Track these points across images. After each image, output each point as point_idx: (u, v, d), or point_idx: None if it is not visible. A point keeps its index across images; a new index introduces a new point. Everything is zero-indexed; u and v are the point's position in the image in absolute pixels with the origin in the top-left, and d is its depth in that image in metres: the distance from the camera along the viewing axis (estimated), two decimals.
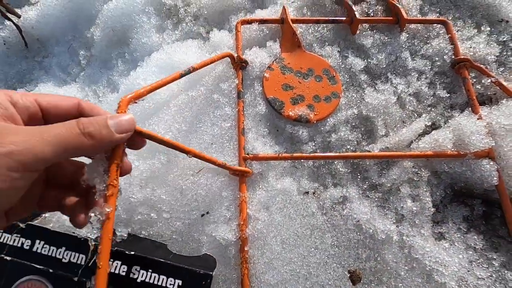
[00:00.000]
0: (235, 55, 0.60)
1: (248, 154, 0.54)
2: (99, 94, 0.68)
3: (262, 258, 0.47)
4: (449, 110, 0.62)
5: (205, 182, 0.51)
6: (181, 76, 0.46)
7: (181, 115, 0.55)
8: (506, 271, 0.50)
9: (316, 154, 0.55)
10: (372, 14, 0.70)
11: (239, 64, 0.60)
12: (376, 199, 0.54)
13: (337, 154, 0.55)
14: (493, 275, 0.50)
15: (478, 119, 0.57)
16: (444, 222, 0.55)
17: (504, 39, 0.67)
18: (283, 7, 0.65)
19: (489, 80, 0.62)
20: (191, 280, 0.42)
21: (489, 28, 0.68)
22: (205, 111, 0.57)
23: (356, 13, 0.65)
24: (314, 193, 0.53)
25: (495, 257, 0.51)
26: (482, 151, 0.54)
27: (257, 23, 0.65)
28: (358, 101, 0.61)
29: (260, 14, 0.69)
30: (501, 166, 0.54)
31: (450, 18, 0.70)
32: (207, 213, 0.50)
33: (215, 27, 0.70)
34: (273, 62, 0.62)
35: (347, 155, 0.55)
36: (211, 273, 0.43)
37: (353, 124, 0.60)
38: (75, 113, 0.30)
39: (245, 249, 0.47)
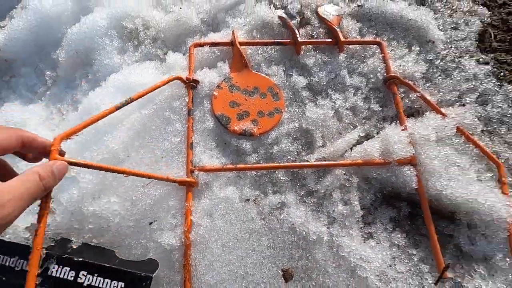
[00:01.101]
0: (186, 75, 0.66)
1: (195, 166, 0.59)
2: (63, 112, 0.73)
3: (204, 260, 0.53)
4: (381, 122, 0.69)
5: (154, 193, 0.56)
6: (117, 109, 0.52)
7: (134, 132, 0.60)
8: (423, 265, 0.57)
9: (258, 165, 0.61)
10: (315, 36, 0.77)
11: (190, 84, 0.66)
12: (311, 204, 0.60)
13: (277, 164, 0.61)
14: (412, 269, 0.56)
15: (402, 130, 0.64)
16: (374, 223, 0.61)
17: (431, 58, 0.75)
18: (232, 31, 0.72)
19: (415, 95, 0.69)
20: (133, 282, 0.47)
21: (418, 48, 0.76)
22: (157, 127, 0.62)
23: (298, 35, 0.72)
24: (255, 200, 0.59)
25: (415, 253, 0.58)
26: (404, 159, 0.61)
27: (209, 45, 0.71)
28: (300, 116, 0.68)
29: (214, 36, 0.75)
30: (421, 171, 0.61)
31: (386, 39, 0.78)
32: (155, 221, 0.55)
33: (172, 49, 0.76)
34: (222, 81, 0.68)
35: (286, 165, 0.61)
36: (151, 275, 0.48)
37: (294, 136, 0.66)
38: (18, 145, 0.36)
39: (188, 253, 0.52)
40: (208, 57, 0.72)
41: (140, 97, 0.56)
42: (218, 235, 0.55)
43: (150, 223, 0.55)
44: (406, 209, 0.63)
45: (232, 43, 0.71)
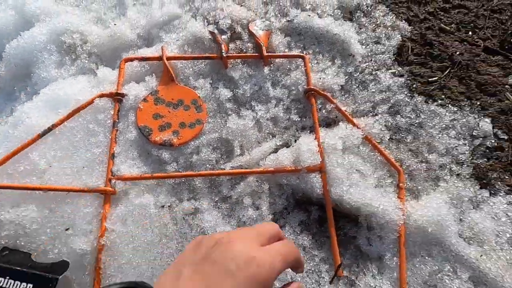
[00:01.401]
0: (111, 90, 0.70)
1: (114, 175, 0.63)
2: (1, 123, 0.77)
3: (114, 263, 0.57)
4: (299, 132, 0.74)
5: (72, 200, 0.60)
6: (40, 136, 0.56)
7: (57, 143, 0.64)
8: (323, 265, 0.62)
9: (174, 173, 0.65)
10: (244, 51, 0.82)
11: (116, 98, 0.70)
12: (224, 209, 0.65)
13: (193, 172, 0.65)
14: (312, 269, 0.61)
15: (314, 139, 0.70)
16: (284, 226, 0.66)
17: (350, 71, 0.80)
18: (161, 46, 0.76)
19: (331, 106, 0.75)
20: (41, 283, 0.51)
21: (340, 61, 0.82)
22: (80, 139, 0.66)
23: (224, 50, 0.77)
24: (169, 206, 0.64)
25: (317, 254, 0.63)
26: (313, 166, 0.67)
27: (139, 60, 0.76)
28: (221, 126, 0.73)
29: (147, 51, 0.80)
30: (328, 178, 0.66)
31: (311, 52, 0.83)
32: (71, 227, 0.59)
33: (107, 63, 0.80)
34: (148, 94, 0.72)
35: (201, 173, 0.65)
36: (57, 276, 0.52)
37: (214, 146, 0.71)
38: None
39: (99, 257, 0.57)
40: (139, 71, 0.76)
41: (62, 122, 0.61)
42: (130, 240, 0.59)
43: (67, 229, 0.59)
44: (317, 213, 0.68)
45: (161, 58, 0.75)
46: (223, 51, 0.76)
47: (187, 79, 0.77)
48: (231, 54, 0.78)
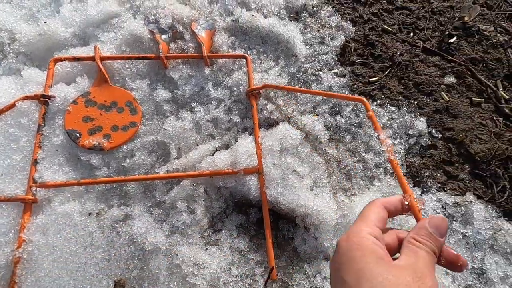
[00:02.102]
0: (35, 92, 0.66)
1: (36, 182, 0.60)
2: None
3: (31, 277, 0.53)
4: (240, 133, 0.73)
5: None
6: None
7: None
8: (258, 268, 0.61)
9: (103, 178, 0.62)
10: (186, 50, 0.80)
11: (42, 100, 0.66)
12: (157, 215, 0.63)
13: (121, 177, 0.63)
14: (247, 272, 0.60)
15: (253, 141, 0.69)
16: (221, 230, 0.65)
17: (293, 71, 0.80)
18: (95, 46, 0.73)
19: (273, 107, 0.74)
20: None
21: (284, 61, 0.81)
22: None
23: (161, 50, 0.74)
24: (97, 214, 0.61)
25: (253, 257, 0.62)
26: (251, 168, 0.66)
27: (70, 60, 0.72)
28: (158, 128, 0.70)
29: (82, 51, 0.76)
30: (265, 180, 0.66)
31: (256, 52, 0.82)
32: None
33: (39, 64, 0.75)
34: (78, 96, 0.69)
35: (130, 178, 0.63)
36: None
37: (150, 149, 0.68)
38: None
39: (15, 271, 0.53)
40: (70, 72, 0.72)
41: None
42: (50, 251, 0.55)
43: None
44: (255, 215, 0.67)
45: (93, 58, 0.72)
46: (160, 51, 0.74)
47: (124, 80, 0.74)
48: (170, 54, 0.76)
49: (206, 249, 0.62)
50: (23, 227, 0.56)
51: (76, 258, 0.56)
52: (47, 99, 0.66)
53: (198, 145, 0.71)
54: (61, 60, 0.71)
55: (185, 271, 0.57)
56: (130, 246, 0.59)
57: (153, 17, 0.82)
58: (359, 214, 0.36)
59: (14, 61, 0.74)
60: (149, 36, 0.79)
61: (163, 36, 0.80)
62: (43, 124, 0.65)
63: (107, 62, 0.74)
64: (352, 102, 0.77)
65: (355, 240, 0.32)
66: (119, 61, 0.75)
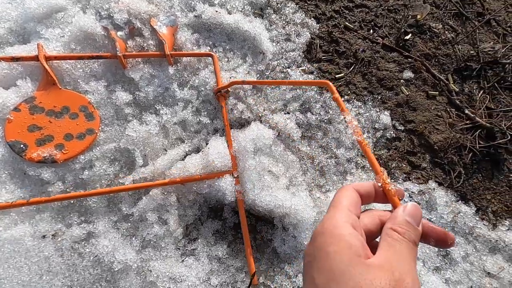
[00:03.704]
0: None
1: None
2: None
3: None
4: (210, 135, 0.70)
5: None
6: None
7: None
8: (239, 274, 0.59)
9: (56, 196, 0.55)
10: (146, 48, 0.74)
11: None
12: (124, 230, 0.57)
13: (80, 192, 0.56)
14: (227, 280, 0.58)
15: (225, 142, 0.66)
16: (197, 238, 0.61)
17: (262, 69, 0.79)
18: (38, 44, 0.64)
19: (244, 106, 0.72)
20: None
21: (251, 59, 0.79)
22: None
23: (118, 48, 0.68)
24: (54, 235, 0.54)
25: (233, 264, 0.60)
26: (225, 171, 0.63)
27: (8, 61, 0.62)
28: (119, 135, 0.64)
29: (21, 49, 0.66)
30: (240, 182, 0.63)
31: (222, 50, 0.79)
32: None
33: None
34: (21, 102, 0.60)
35: (90, 192, 0.56)
36: None
37: (112, 157, 0.62)
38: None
39: None
40: (8, 74, 0.63)
41: None
42: None
43: None
44: (232, 220, 0.64)
45: (37, 58, 0.63)
46: (118, 49, 0.67)
47: (76, 82, 0.67)
48: (129, 53, 0.69)
49: (182, 260, 0.58)
50: None
51: None
52: None
53: (166, 150, 0.66)
54: None
55: (161, 287, 0.53)
56: (95, 268, 0.53)
57: (105, 11, 0.74)
58: (331, 201, 0.33)
59: None
60: (102, 32, 0.71)
61: (119, 33, 0.73)
62: None
63: (54, 62, 0.65)
64: (320, 98, 0.77)
65: (330, 231, 0.29)
66: (68, 61, 0.67)
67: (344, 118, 0.56)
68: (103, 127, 0.64)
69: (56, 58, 0.65)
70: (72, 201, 0.57)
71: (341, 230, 0.29)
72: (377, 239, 0.32)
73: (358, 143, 0.47)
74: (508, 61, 0.87)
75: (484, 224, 0.68)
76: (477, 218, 0.68)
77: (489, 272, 0.63)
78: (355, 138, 0.53)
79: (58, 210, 0.56)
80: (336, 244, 0.28)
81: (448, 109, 0.81)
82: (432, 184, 0.70)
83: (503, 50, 0.90)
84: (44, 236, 0.53)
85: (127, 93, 0.68)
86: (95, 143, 0.61)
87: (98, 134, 0.62)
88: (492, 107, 0.82)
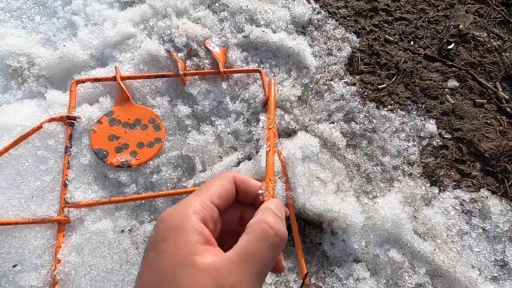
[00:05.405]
0: (61, 114, 0.67)
1: (68, 202, 0.60)
2: None
3: None
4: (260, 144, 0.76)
5: (19, 234, 0.56)
6: None
7: (1, 173, 0.60)
8: (291, 274, 0.62)
9: (133, 195, 0.63)
10: (202, 67, 0.83)
11: (68, 121, 0.67)
12: None
13: (151, 193, 0.64)
14: (280, 279, 0.61)
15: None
16: None
17: (306, 82, 0.84)
18: (115, 66, 0.75)
19: (290, 117, 0.77)
20: None
21: (296, 73, 0.85)
22: (28, 167, 0.62)
23: (180, 67, 0.77)
24: (130, 230, 0.61)
25: (285, 264, 0.63)
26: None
27: (92, 82, 0.73)
28: (181, 143, 0.72)
29: (101, 71, 0.78)
30: (290, 187, 0.68)
31: (268, 66, 0.86)
32: (19, 263, 0.55)
33: (59, 86, 0.77)
34: (102, 116, 0.70)
35: (159, 194, 0.64)
36: None
37: (175, 163, 0.70)
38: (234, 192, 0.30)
39: None
40: (92, 93, 0.74)
41: (7, 150, 0.57)
42: (87, 270, 0.56)
43: (14, 266, 0.54)
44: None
45: (115, 78, 0.74)
46: (179, 68, 0.77)
47: (144, 98, 0.76)
48: (188, 71, 0.78)
49: None
50: (58, 248, 0.56)
51: (113, 276, 0.56)
52: (72, 120, 0.68)
53: (221, 158, 0.72)
54: (82, 81, 0.73)
55: None
56: None
57: (167, 36, 0.85)
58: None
59: (34, 85, 0.76)
60: (165, 54, 0.81)
61: (179, 54, 0.82)
62: (70, 145, 0.66)
63: (127, 82, 0.76)
64: (363, 108, 0.80)
65: (175, 220, 0.25)
66: (138, 80, 0.77)
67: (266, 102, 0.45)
68: (168, 136, 0.72)
69: (129, 78, 0.75)
70: (143, 201, 0.65)
71: (184, 221, 0.25)
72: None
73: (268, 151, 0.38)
74: None
75: None
76: None
77: None
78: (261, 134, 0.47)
79: (132, 208, 0.64)
80: (173, 237, 0.24)
81: (498, 117, 0.80)
82: (484, 192, 0.69)
83: None
84: (122, 231, 0.60)
85: (187, 106, 0.76)
86: (161, 151, 0.70)
87: (164, 142, 0.70)
88: None
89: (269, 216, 0.26)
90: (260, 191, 0.30)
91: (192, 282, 0.22)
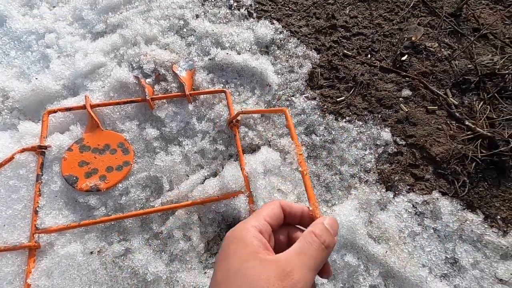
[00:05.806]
0: (32, 144, 0.71)
1: (38, 228, 0.63)
2: None
3: None
4: (226, 160, 0.80)
5: None
6: None
7: None
8: None
9: (102, 218, 0.66)
10: (170, 91, 0.88)
11: (39, 151, 0.71)
12: (155, 246, 0.67)
13: (120, 215, 0.67)
14: None
15: (238, 166, 0.75)
16: (217, 252, 0.69)
17: (269, 99, 0.89)
18: (85, 96, 0.79)
19: (254, 133, 0.81)
20: None
21: (259, 91, 0.90)
22: (0, 197, 0.66)
23: (147, 92, 0.82)
24: (99, 251, 0.64)
25: None
26: (239, 191, 0.71)
27: (63, 111, 0.78)
28: (149, 165, 0.76)
29: (72, 101, 0.82)
30: (253, 200, 0.72)
31: (233, 86, 0.91)
32: None
33: (32, 117, 0.81)
34: (73, 143, 0.74)
35: (128, 215, 0.67)
36: None
37: (144, 184, 0.74)
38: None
39: None
40: (63, 121, 0.78)
41: None
42: None
43: None
44: None
45: (85, 107, 0.78)
46: (146, 93, 0.81)
47: (114, 123, 0.81)
48: (155, 96, 0.83)
49: (205, 272, 0.66)
50: (29, 273, 0.59)
51: None
52: (43, 149, 0.71)
53: (188, 176, 0.76)
54: (54, 111, 0.77)
55: None
56: (132, 279, 0.62)
57: (136, 63, 0.90)
58: None
59: (8, 117, 0.80)
60: (134, 81, 0.86)
61: (148, 80, 0.87)
62: (41, 173, 0.69)
63: (97, 109, 0.80)
64: (323, 121, 0.85)
65: (237, 232, 0.32)
66: (108, 106, 0.81)
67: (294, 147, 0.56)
68: (136, 159, 0.76)
69: (99, 105, 0.79)
70: (112, 223, 0.68)
71: (246, 232, 0.32)
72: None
73: (301, 174, 0.48)
74: (508, 71, 0.91)
75: (494, 231, 0.69)
76: (486, 226, 0.70)
77: (501, 279, 0.64)
78: (298, 169, 0.54)
79: (102, 230, 0.67)
80: (237, 243, 0.31)
81: (448, 122, 0.85)
82: (436, 194, 0.74)
83: (501, 61, 0.94)
84: (91, 252, 0.64)
85: (155, 129, 0.80)
86: (130, 173, 0.73)
87: (132, 165, 0.74)
88: (494, 116, 0.85)
89: (317, 227, 0.33)
90: (310, 208, 0.37)
91: (258, 271, 0.28)
